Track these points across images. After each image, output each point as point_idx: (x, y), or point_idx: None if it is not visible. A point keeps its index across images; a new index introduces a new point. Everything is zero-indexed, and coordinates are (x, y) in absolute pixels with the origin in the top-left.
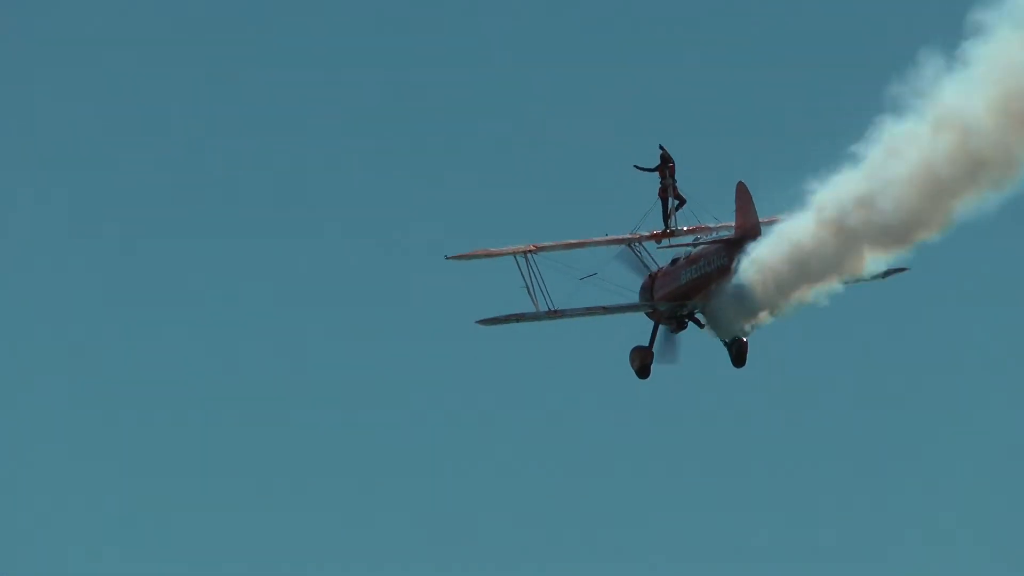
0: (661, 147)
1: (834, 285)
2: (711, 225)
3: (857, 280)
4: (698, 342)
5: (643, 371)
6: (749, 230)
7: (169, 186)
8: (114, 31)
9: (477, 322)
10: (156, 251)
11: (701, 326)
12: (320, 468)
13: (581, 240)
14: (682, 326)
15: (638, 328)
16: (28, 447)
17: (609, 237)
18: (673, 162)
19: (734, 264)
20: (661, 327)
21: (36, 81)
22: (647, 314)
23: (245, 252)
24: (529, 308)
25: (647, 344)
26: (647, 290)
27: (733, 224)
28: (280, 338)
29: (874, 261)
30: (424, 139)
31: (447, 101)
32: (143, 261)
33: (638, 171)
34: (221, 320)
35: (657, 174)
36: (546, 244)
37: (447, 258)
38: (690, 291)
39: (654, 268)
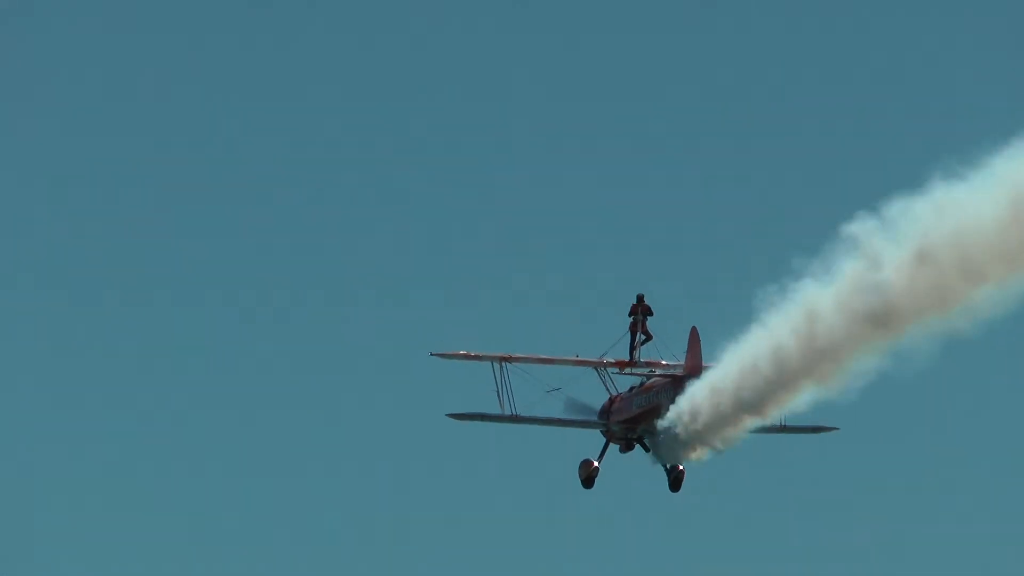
0: (640, 296)
1: (757, 424)
2: (666, 362)
3: (784, 429)
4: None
5: (588, 482)
6: (692, 370)
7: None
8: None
9: (447, 415)
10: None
11: (647, 450)
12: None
13: (552, 357)
14: (630, 447)
15: (592, 443)
16: None
17: (578, 358)
18: (648, 310)
19: (678, 398)
20: (611, 445)
21: None
22: (601, 432)
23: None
24: (496, 410)
25: (596, 459)
26: (605, 412)
27: (683, 363)
28: (253, 407)
29: (793, 404)
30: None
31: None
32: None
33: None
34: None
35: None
36: (520, 356)
37: (432, 354)
38: (640, 417)
39: (614, 393)
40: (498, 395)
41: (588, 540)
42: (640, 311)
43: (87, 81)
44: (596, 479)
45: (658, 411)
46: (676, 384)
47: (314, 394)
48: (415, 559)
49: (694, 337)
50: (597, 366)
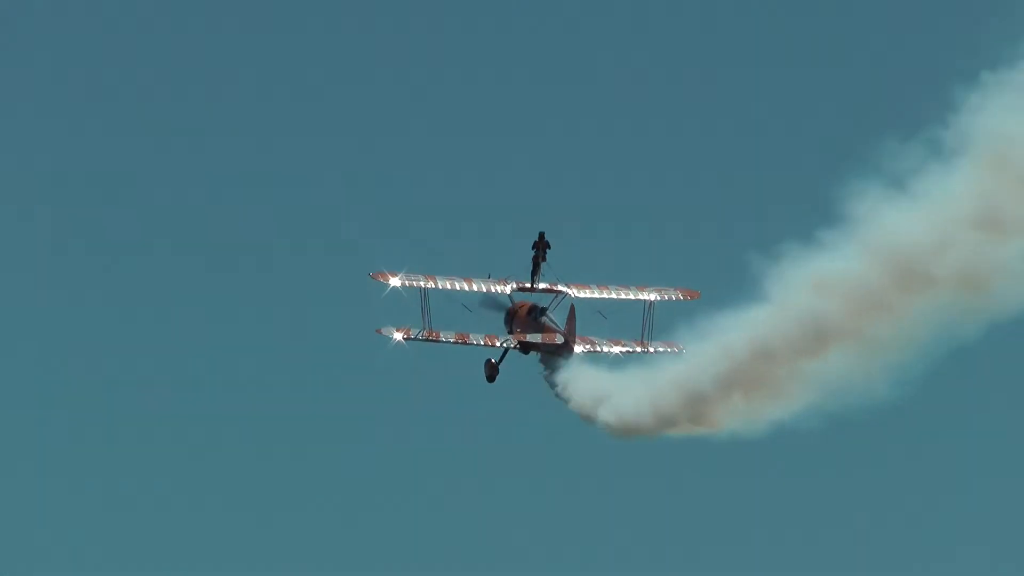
0: (541, 233)
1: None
2: (560, 287)
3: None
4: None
5: (491, 378)
6: (567, 341)
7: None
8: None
9: (377, 330)
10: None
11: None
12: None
13: (469, 278)
14: (525, 353)
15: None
16: None
17: (489, 278)
18: (547, 245)
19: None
20: (508, 349)
21: None
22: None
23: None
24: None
25: (497, 360)
26: (510, 316)
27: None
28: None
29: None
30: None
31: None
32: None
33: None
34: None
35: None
36: (442, 279)
37: (369, 275)
38: (530, 345)
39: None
40: (422, 313)
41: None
42: (541, 246)
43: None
44: (496, 376)
45: (544, 351)
46: (560, 349)
47: (260, 311)
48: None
49: (572, 314)
50: (504, 284)
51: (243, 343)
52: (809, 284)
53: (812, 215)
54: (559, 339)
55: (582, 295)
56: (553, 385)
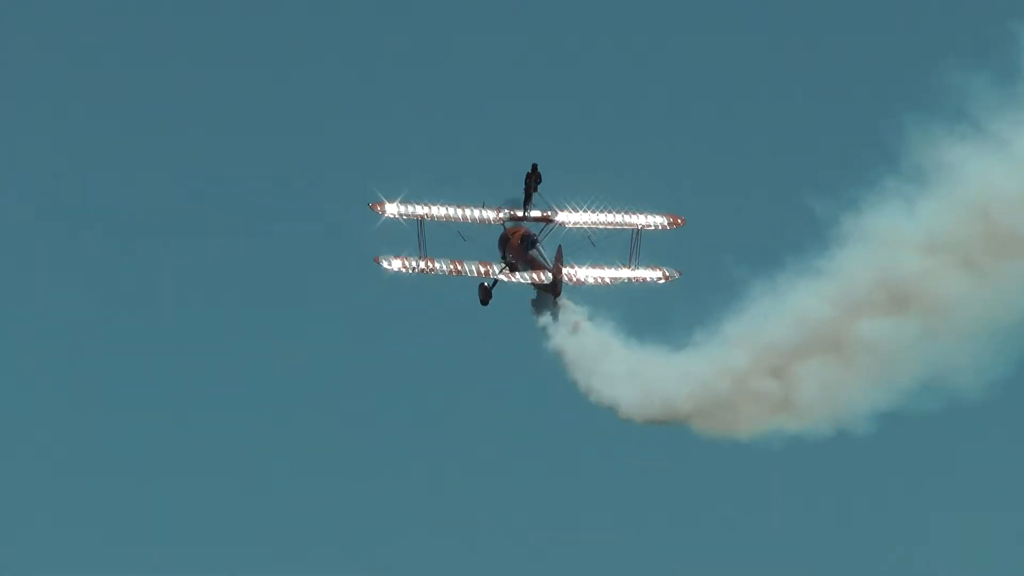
0: (534, 164)
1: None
2: (550, 213)
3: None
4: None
5: (484, 302)
6: (555, 280)
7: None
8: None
9: (375, 259)
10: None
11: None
12: None
13: (463, 205)
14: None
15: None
16: None
17: (484, 205)
18: (539, 178)
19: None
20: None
21: None
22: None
23: None
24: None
25: (489, 285)
26: (503, 241)
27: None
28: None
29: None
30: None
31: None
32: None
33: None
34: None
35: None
36: (437, 214)
37: (369, 206)
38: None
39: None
40: (419, 246)
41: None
42: (533, 177)
43: None
44: (490, 300)
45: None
46: (548, 288)
47: (261, 239)
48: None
49: (559, 255)
50: (498, 211)
51: (244, 273)
52: (881, 239)
53: (876, 161)
54: (546, 277)
55: (571, 220)
56: (539, 313)
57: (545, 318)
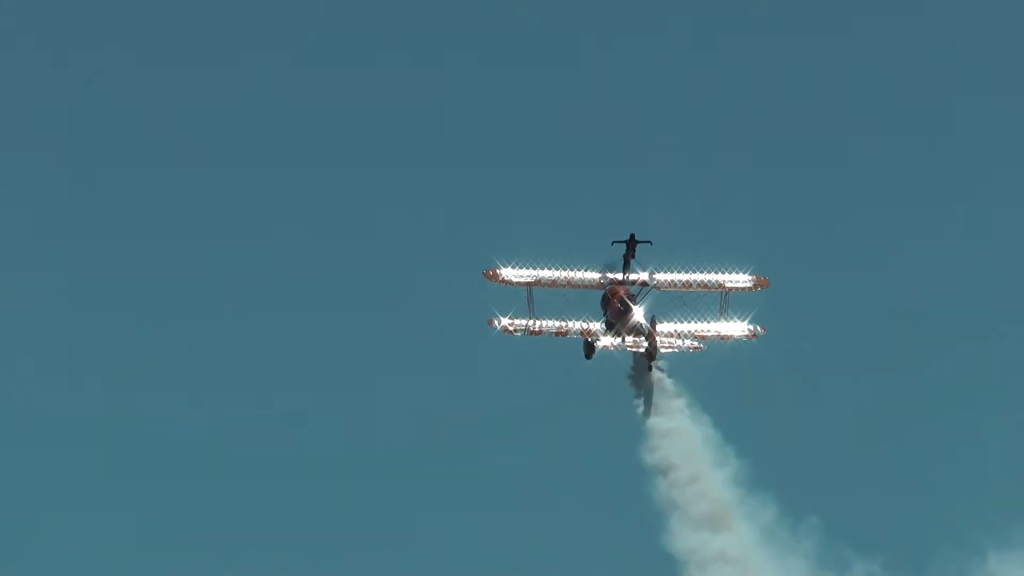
0: (632, 235)
1: None
2: (645, 278)
3: None
4: None
5: (589, 356)
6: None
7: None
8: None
9: (488, 321)
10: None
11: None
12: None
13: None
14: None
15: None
16: None
17: (589, 273)
18: (636, 243)
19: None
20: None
21: None
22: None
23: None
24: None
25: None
26: (604, 300)
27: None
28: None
29: None
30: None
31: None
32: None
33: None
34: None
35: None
36: (545, 278)
37: (482, 273)
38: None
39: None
40: (529, 308)
41: None
42: (631, 246)
43: None
44: (594, 355)
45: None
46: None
47: (368, 298)
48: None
49: (653, 321)
50: (603, 276)
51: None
52: None
53: None
54: (642, 342)
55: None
56: (635, 385)
57: (640, 396)
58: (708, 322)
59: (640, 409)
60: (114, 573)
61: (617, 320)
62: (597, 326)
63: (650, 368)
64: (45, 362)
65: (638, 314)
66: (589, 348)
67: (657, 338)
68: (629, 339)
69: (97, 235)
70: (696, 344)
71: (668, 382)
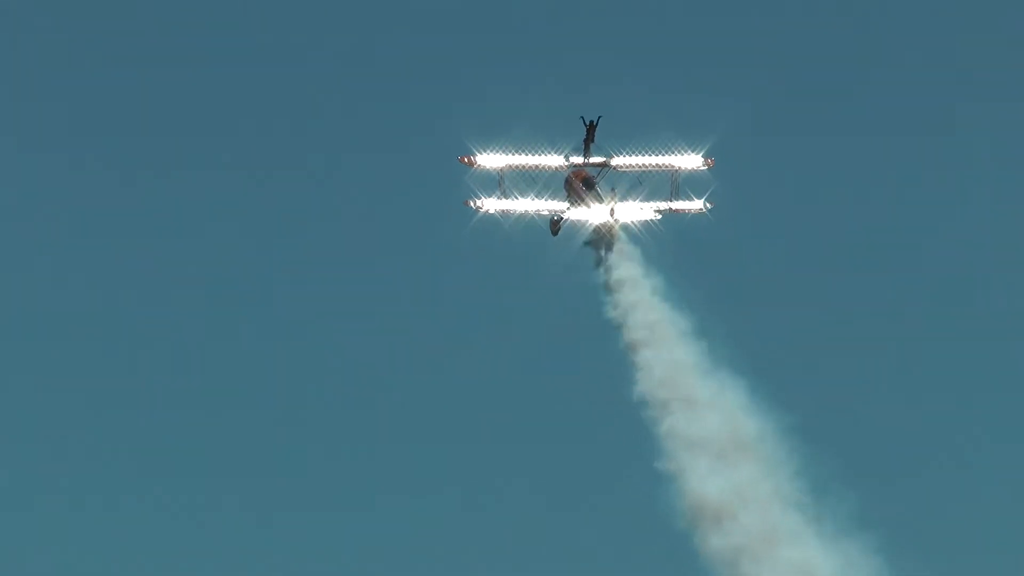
0: (594, 120)
1: None
2: (608, 160)
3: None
4: None
5: (555, 232)
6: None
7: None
8: None
9: (464, 203)
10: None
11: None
12: None
13: (536, 157)
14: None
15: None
16: None
17: (553, 156)
18: (594, 127)
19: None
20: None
21: None
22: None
23: None
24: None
25: (558, 219)
26: (567, 183)
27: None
28: None
29: None
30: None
31: None
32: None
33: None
34: None
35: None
36: (516, 163)
37: (459, 159)
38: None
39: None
40: (501, 191)
41: None
42: (592, 130)
43: None
44: (559, 231)
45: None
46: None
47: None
48: None
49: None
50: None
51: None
52: None
53: None
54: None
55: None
56: (595, 248)
57: (599, 254)
58: (663, 201)
59: (601, 270)
60: None
61: (579, 198)
62: (563, 205)
63: (611, 234)
64: None
65: (596, 189)
66: (555, 225)
67: (615, 208)
68: (591, 213)
69: None
70: (651, 217)
71: (625, 249)
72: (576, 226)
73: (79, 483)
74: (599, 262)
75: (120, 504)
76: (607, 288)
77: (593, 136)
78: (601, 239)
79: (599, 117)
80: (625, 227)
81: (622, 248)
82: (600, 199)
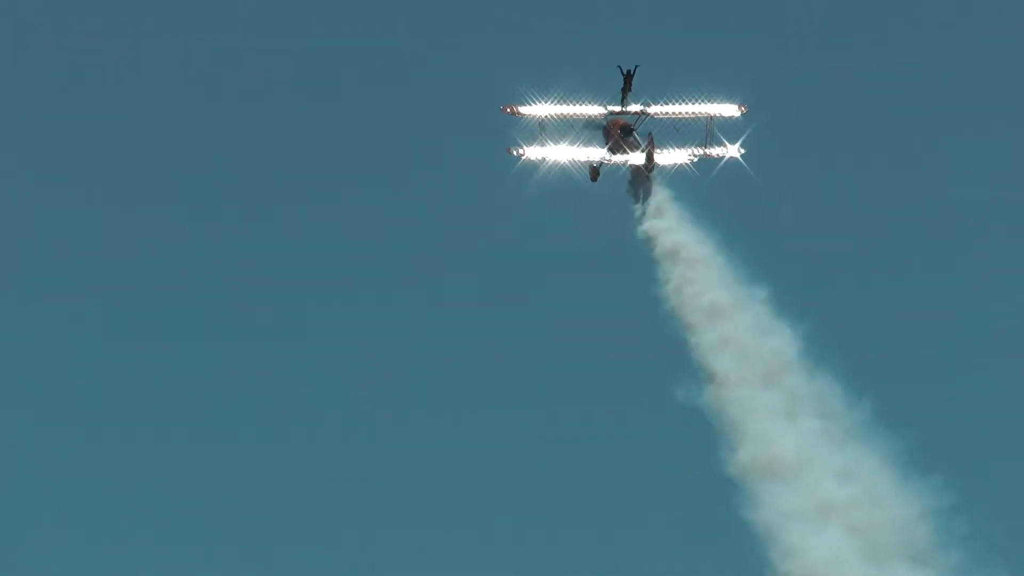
0: (631, 69)
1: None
2: (646, 108)
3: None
4: None
5: (594, 179)
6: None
7: None
8: None
9: (507, 150)
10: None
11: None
12: None
13: (576, 106)
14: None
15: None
16: None
17: (592, 105)
18: (631, 76)
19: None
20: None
21: None
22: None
23: None
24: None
25: (597, 165)
26: (606, 131)
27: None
28: None
29: None
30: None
31: None
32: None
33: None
34: None
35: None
36: (556, 112)
37: (500, 108)
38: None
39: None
40: (541, 138)
41: None
42: (629, 79)
43: None
44: (598, 177)
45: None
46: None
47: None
48: None
49: (650, 139)
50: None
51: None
52: None
53: None
54: (640, 157)
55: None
56: (634, 193)
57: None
58: (698, 147)
59: (638, 212)
60: None
61: (617, 144)
62: (601, 152)
63: (648, 178)
64: None
65: (634, 136)
66: (594, 172)
67: (654, 152)
68: (629, 159)
69: None
70: (687, 161)
71: (663, 191)
72: (614, 171)
73: (73, 509)
74: (639, 204)
75: (116, 523)
76: (644, 234)
77: (630, 85)
78: (639, 184)
79: (636, 66)
80: (662, 171)
81: (659, 192)
82: (638, 145)
